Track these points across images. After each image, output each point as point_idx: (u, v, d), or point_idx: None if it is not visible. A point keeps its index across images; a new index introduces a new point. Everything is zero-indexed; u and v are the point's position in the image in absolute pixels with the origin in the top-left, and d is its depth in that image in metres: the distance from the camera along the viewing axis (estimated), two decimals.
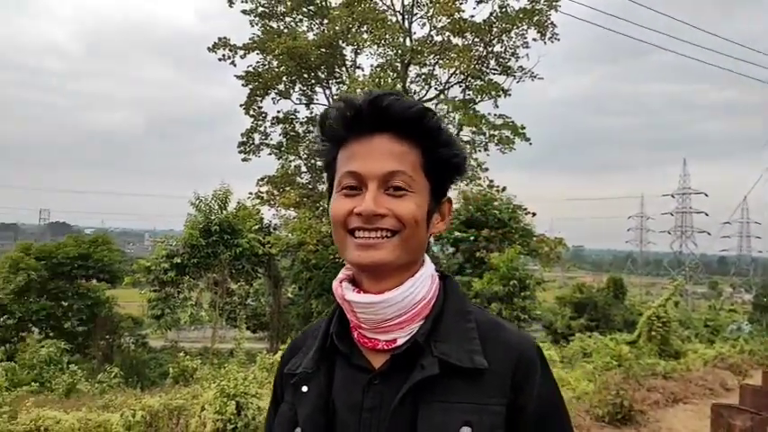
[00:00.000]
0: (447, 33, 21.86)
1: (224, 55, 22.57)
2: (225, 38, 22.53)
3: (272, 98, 23.34)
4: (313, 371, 1.03)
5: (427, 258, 1.08)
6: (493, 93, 22.43)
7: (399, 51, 22.13)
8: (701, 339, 18.76)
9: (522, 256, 16.41)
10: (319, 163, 1.13)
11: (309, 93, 24.13)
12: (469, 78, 22.56)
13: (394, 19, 22.45)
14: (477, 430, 0.93)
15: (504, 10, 21.86)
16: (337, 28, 21.34)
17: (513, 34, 22.02)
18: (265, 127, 23.72)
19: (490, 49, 22.46)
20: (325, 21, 22.33)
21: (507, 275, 14.65)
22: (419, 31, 23.00)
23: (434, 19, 21.98)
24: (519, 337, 1.04)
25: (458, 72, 22.09)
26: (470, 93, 23.15)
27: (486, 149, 23.08)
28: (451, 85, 23.16)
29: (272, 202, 22.47)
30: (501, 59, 22.71)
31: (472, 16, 21.81)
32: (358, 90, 20.19)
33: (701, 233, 63.29)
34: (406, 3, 22.76)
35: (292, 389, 1.06)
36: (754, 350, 14.02)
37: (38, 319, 17.94)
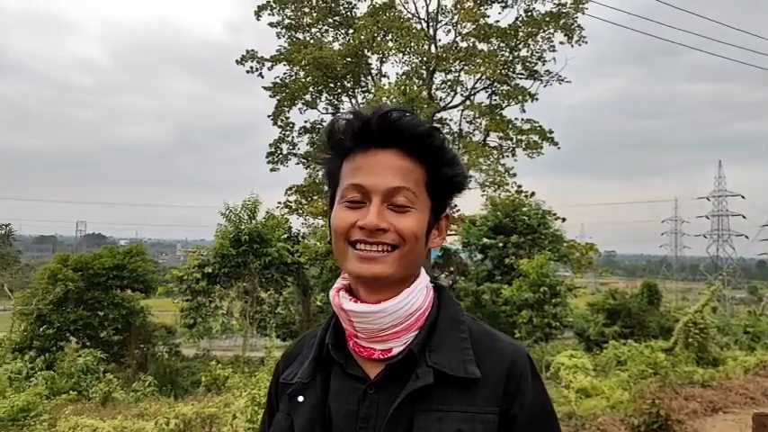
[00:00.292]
0: (472, 39, 21.81)
1: (252, 67, 22.97)
2: (253, 50, 22.93)
3: (299, 108, 23.62)
4: (309, 381, 1.05)
5: (422, 270, 1.10)
6: (520, 97, 22.27)
7: (424, 58, 22.16)
8: (741, 346, 18.14)
9: (552, 262, 16.20)
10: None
11: (336, 102, 24.33)
12: (496, 84, 22.45)
13: (419, 26, 22.51)
14: None
15: (529, 14, 21.75)
16: (362, 37, 21.49)
17: (539, 38, 21.87)
18: (293, 137, 23.98)
19: (516, 53, 22.34)
20: (351, 30, 22.52)
21: (537, 282, 14.46)
22: (444, 37, 23.07)
23: (459, 25, 21.98)
24: (511, 347, 1.06)
25: (484, 78, 22.00)
26: (497, 98, 23.05)
27: (513, 155, 22.92)
28: (477, 91, 23.10)
29: (301, 211, 22.69)
30: (527, 64, 22.56)
31: (497, 21, 21.78)
32: (384, 98, 20.29)
33: (739, 236, 61.41)
34: (430, 10, 22.84)
35: (288, 398, 1.07)
36: None
37: (75, 328, 18.36)
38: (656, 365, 10.03)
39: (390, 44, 21.71)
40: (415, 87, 21.21)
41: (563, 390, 8.87)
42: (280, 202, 22.68)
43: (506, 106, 22.96)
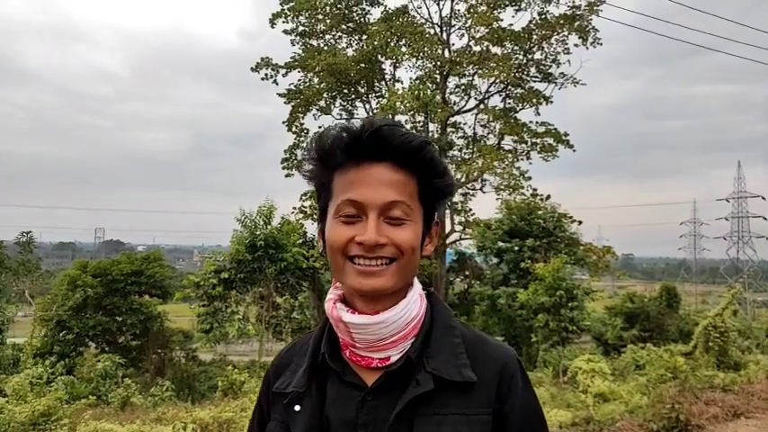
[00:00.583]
0: (486, 43, 21.77)
1: (266, 74, 23.16)
2: (267, 57, 23.11)
3: (314, 114, 23.77)
4: (305, 390, 1.06)
5: (415, 280, 1.11)
6: (534, 100, 22.18)
7: (438, 63, 22.18)
8: (764, 350, 17.81)
9: (568, 265, 16.08)
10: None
11: (350, 108, 24.43)
12: (510, 87, 22.38)
13: (432, 31, 22.54)
14: None
15: (543, 17, 21.67)
16: (376, 43, 21.56)
17: (553, 41, 21.78)
18: (307, 143, 24.10)
19: (530, 56, 22.26)
20: (364, 36, 22.61)
21: (554, 286, 14.36)
22: (457, 42, 23.06)
23: (473, 29, 21.96)
24: (501, 350, 1.10)
25: (498, 81, 21.95)
26: (511, 101, 22.98)
27: (528, 158, 22.80)
28: (491, 95, 23.05)
29: (315, 217, 22.64)
30: (542, 67, 22.46)
31: (511, 25, 21.72)
32: (398, 103, 20.33)
33: (760, 238, 60.36)
34: (443, 15, 22.87)
35: (283, 408, 1.08)
36: None
37: (94, 334, 18.59)
38: (675, 370, 9.89)
39: (404, 49, 21.76)
40: (429, 92, 21.21)
41: (580, 394, 8.79)
42: (295, 208, 22.78)
43: (521, 109, 22.89)
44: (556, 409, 8.09)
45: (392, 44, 21.74)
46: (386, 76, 23.74)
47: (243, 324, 17.43)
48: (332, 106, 23.93)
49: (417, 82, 21.93)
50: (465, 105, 23.44)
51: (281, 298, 18.23)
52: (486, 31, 21.28)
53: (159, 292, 20.78)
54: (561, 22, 21.14)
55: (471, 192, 23.55)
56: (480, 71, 21.77)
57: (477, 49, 22.03)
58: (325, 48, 22.90)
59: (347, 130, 1.03)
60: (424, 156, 1.04)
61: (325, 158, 1.06)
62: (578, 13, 21.00)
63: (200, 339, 18.94)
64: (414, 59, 22.21)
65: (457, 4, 22.45)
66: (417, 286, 1.11)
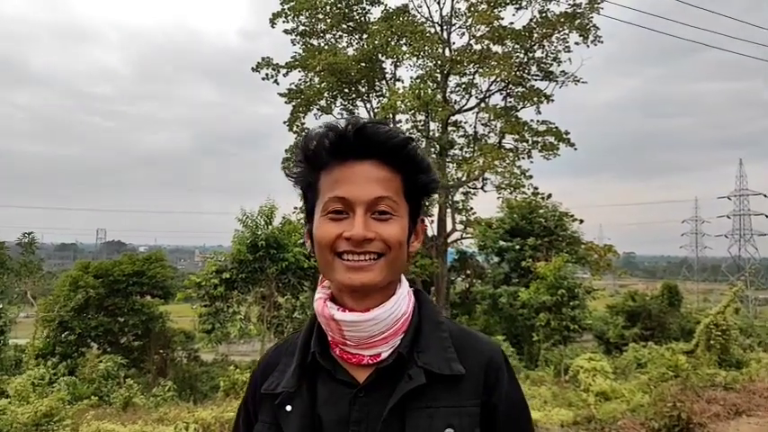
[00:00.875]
0: (486, 42, 21.77)
1: (267, 74, 23.18)
2: (268, 57, 23.13)
3: (315, 114, 23.80)
4: (295, 390, 1.07)
5: (402, 277, 1.13)
6: (535, 99, 22.18)
7: (439, 62, 22.18)
8: (766, 348, 17.79)
9: (569, 264, 16.06)
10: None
11: (350, 107, 24.43)
12: (510, 85, 22.37)
13: (432, 30, 22.54)
14: (458, 431, 1.01)
15: (544, 15, 21.66)
16: (376, 42, 21.56)
17: (554, 39, 21.78)
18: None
19: (531, 55, 22.25)
20: (365, 35, 22.62)
21: (555, 284, 14.34)
22: (458, 40, 23.11)
23: (473, 28, 21.95)
24: (487, 344, 1.14)
25: (498, 80, 21.95)
26: (512, 100, 22.97)
27: (529, 156, 22.80)
28: (492, 93, 23.05)
29: None
30: (542, 65, 22.45)
31: (511, 23, 21.73)
32: (398, 102, 20.33)
33: (762, 236, 60.33)
34: (444, 14, 22.88)
35: (273, 408, 1.08)
36: None
37: (96, 334, 18.61)
38: (677, 368, 9.89)
39: (404, 48, 21.76)
40: (430, 91, 21.22)
41: (582, 393, 8.78)
42: (296, 208, 22.70)
43: (521, 108, 22.89)
44: (557, 407, 8.09)
45: (393, 43, 21.74)
46: (386, 76, 23.75)
47: (244, 324, 17.43)
48: (333, 106, 23.96)
49: (418, 81, 21.93)
50: (466, 104, 23.48)
51: (282, 298, 18.20)
52: (487, 29, 21.27)
53: (161, 293, 20.79)
54: (562, 20, 21.13)
55: (472, 191, 23.58)
56: (481, 70, 21.77)
57: (478, 47, 22.04)
58: (326, 47, 22.91)
59: (332, 129, 1.05)
60: (408, 152, 1.06)
61: (311, 158, 1.08)
62: (579, 10, 21.01)
63: (202, 339, 18.93)
64: (414, 58, 22.23)
65: (457, 2, 22.49)
66: (405, 284, 1.13)
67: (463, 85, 23.19)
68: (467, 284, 24.11)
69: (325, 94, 23.43)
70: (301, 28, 23.28)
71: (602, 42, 21.54)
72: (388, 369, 1.05)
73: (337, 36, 23.74)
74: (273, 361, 1.17)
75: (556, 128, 22.40)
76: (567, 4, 21.19)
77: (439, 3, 22.80)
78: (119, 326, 19.13)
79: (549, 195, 21.64)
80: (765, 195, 58.34)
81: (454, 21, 22.81)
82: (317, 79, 22.97)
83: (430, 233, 22.33)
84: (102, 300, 18.83)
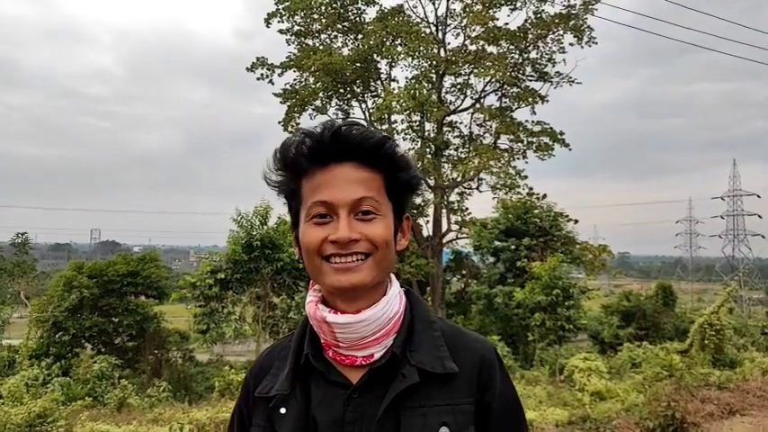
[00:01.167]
0: (481, 42, 21.79)
1: (262, 74, 23.13)
2: (263, 57, 23.09)
3: (310, 114, 23.72)
4: (289, 392, 1.07)
5: (393, 277, 1.14)
6: (530, 99, 22.22)
7: (434, 62, 22.19)
8: (759, 347, 17.85)
9: (564, 264, 16.10)
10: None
11: (346, 107, 24.40)
12: (505, 86, 22.41)
13: (428, 30, 22.55)
14: (453, 429, 1.02)
15: (538, 16, 21.70)
16: (372, 42, 21.56)
17: (548, 40, 21.82)
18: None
19: (526, 55, 22.29)
20: (360, 36, 22.61)
21: (550, 284, 14.39)
22: (453, 41, 23.06)
23: (468, 28, 21.96)
24: (480, 342, 1.15)
25: (493, 80, 21.97)
26: (507, 100, 23.00)
27: (524, 157, 22.84)
28: (487, 94, 23.07)
29: None
30: (537, 66, 22.50)
31: (506, 24, 21.74)
32: (393, 102, 20.33)
33: (755, 236, 60.62)
34: (439, 14, 22.88)
35: (267, 411, 1.09)
36: None
37: (90, 335, 18.52)
38: (671, 368, 9.92)
39: (399, 49, 21.75)
40: (425, 91, 21.23)
41: (577, 393, 8.81)
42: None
43: (516, 108, 22.93)
44: (552, 407, 8.11)
45: (388, 43, 21.74)
46: (382, 76, 23.74)
47: (239, 324, 17.40)
48: (328, 106, 23.93)
49: (413, 81, 21.95)
50: (461, 104, 23.49)
51: (277, 298, 18.19)
52: (482, 30, 21.29)
53: (155, 293, 20.72)
54: (556, 21, 21.18)
55: (468, 191, 23.60)
56: (476, 70, 21.78)
57: (473, 48, 22.05)
58: (321, 47, 22.88)
59: (309, 134, 1.06)
60: (386, 151, 1.06)
61: (291, 166, 1.08)
62: (573, 12, 21.06)
63: (197, 340, 18.88)
64: (409, 59, 22.22)
65: (452, 3, 22.49)
66: (396, 283, 1.14)
67: (458, 86, 23.22)
68: (462, 284, 24.13)
69: (321, 95, 23.40)
70: (296, 28, 23.25)
71: (596, 43, 21.62)
72: (381, 369, 1.05)
73: (332, 36, 23.72)
74: (267, 364, 1.17)
75: (551, 128, 22.46)
76: (562, 5, 21.27)
77: (434, 3, 22.82)
78: (113, 326, 19.05)
79: (545, 196, 21.70)
80: (759, 196, 58.71)
81: (449, 21, 22.84)
82: (311, 79, 22.94)
83: (425, 233, 22.37)
84: (96, 300, 18.75)
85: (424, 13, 23.02)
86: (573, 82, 22.11)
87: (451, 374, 1.05)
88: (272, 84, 23.33)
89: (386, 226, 1.06)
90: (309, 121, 24.16)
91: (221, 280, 16.97)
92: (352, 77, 22.84)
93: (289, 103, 23.28)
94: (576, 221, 21.12)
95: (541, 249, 18.39)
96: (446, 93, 23.23)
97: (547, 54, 22.21)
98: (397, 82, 23.62)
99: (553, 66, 22.26)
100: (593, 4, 20.69)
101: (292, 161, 1.07)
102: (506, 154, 22.37)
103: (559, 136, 22.40)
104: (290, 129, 23.55)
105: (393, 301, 1.09)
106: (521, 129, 22.37)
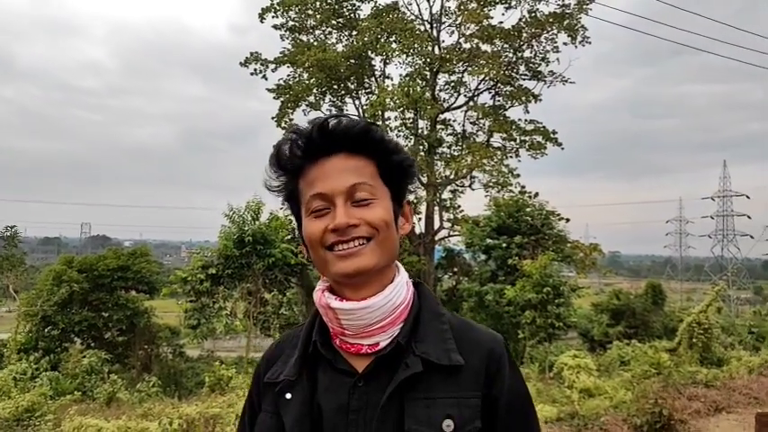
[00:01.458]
0: (476, 40, 21.82)
1: (256, 69, 23.04)
2: (257, 52, 23.01)
3: (303, 110, 23.67)
4: (296, 378, 1.08)
5: (401, 267, 1.14)
6: (523, 98, 22.28)
7: (428, 60, 22.19)
8: (746, 346, 18.07)
9: (555, 262, 16.17)
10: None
11: (339, 104, 24.37)
12: (499, 84, 22.46)
13: (422, 28, 22.55)
14: (458, 422, 1.01)
15: (533, 15, 21.75)
16: (366, 39, 21.52)
17: (542, 39, 21.89)
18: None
19: (520, 54, 22.35)
20: (354, 32, 22.56)
21: (541, 282, 14.45)
22: (447, 39, 23.14)
23: (463, 27, 21.99)
24: (488, 335, 1.14)
25: (487, 79, 22.02)
26: (500, 99, 23.06)
27: (517, 155, 22.92)
28: (481, 92, 23.12)
29: None
30: (531, 65, 22.56)
31: (501, 23, 21.79)
32: (387, 99, 20.31)
33: (744, 236, 61.11)
34: (434, 12, 22.89)
35: (274, 397, 1.10)
36: None
37: (80, 329, 18.39)
38: (659, 365, 10.02)
39: (394, 46, 21.74)
40: (419, 89, 21.23)
41: (566, 390, 8.87)
42: (283, 204, 22.69)
43: (510, 107, 22.99)
44: (541, 404, 8.17)
45: (382, 40, 21.71)
46: (376, 73, 23.72)
47: (230, 320, 17.37)
48: (321, 102, 23.87)
49: (407, 78, 21.94)
50: (454, 102, 23.52)
51: (269, 294, 18.16)
52: (476, 28, 21.32)
53: (146, 288, 20.61)
54: (551, 20, 21.24)
55: (460, 189, 23.66)
56: (470, 68, 21.82)
57: (467, 46, 22.09)
58: (315, 43, 22.82)
59: (297, 132, 1.08)
60: (372, 137, 1.08)
61: (287, 167, 1.10)
62: (568, 11, 21.12)
63: (188, 335, 18.80)
64: (404, 56, 22.23)
65: (447, 0, 22.50)
66: (404, 274, 1.14)
67: (452, 84, 23.24)
68: (453, 282, 24.17)
69: (314, 91, 23.34)
70: (291, 23, 23.17)
71: (590, 43, 21.71)
72: (386, 358, 1.06)
73: (327, 32, 23.66)
74: (277, 352, 1.19)
75: (543, 127, 22.54)
76: (556, 4, 21.33)
77: (429, 0, 22.83)
78: (103, 321, 18.94)
79: (536, 194, 21.75)
80: (748, 197, 59.18)
81: (444, 19, 22.86)
82: (305, 75, 22.88)
83: (417, 231, 22.39)
84: (86, 294, 18.63)
85: (419, 11, 23.04)
86: (566, 81, 22.22)
87: (458, 367, 1.05)
88: (266, 79, 23.28)
89: (384, 208, 1.07)
90: (303, 117, 24.13)
91: (212, 275, 16.92)
92: (347, 74, 22.81)
93: (282, 99, 23.21)
94: (568, 220, 21.20)
95: (533, 247, 18.44)
96: (440, 90, 23.26)
97: (541, 53, 22.30)
98: (391, 79, 23.65)
99: (547, 65, 22.36)
100: (587, 4, 20.78)
101: (286, 162, 1.09)
102: (499, 152, 22.43)
103: (552, 135, 22.49)
104: (283, 124, 23.48)
105: (399, 290, 1.09)
106: (514, 127, 22.44)
